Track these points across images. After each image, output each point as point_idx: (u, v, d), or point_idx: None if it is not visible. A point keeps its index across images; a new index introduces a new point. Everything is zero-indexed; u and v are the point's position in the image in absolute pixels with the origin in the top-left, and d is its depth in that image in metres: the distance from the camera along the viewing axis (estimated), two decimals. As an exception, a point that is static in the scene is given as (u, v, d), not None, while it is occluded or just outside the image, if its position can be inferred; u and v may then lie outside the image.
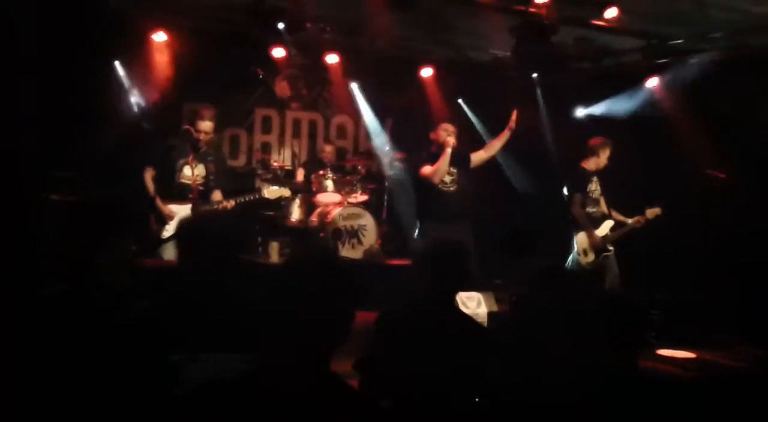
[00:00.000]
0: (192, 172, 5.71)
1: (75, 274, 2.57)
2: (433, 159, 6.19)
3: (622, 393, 2.14)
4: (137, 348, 2.27)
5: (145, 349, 2.26)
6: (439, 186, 6.21)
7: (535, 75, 8.61)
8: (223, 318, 2.44)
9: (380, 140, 8.90)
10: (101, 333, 2.34)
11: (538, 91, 8.79)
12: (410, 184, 6.93)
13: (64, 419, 2.29)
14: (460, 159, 6.33)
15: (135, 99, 7.50)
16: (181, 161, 5.82)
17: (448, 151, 6.10)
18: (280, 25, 6.79)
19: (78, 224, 2.71)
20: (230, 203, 5.87)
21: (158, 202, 5.72)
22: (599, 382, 2.03)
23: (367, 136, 9.22)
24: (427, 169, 6.19)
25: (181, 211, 5.68)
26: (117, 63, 7.41)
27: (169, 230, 5.69)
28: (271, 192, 6.19)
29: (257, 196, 6.19)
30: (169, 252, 5.67)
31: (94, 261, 2.60)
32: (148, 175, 5.85)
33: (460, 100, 9.11)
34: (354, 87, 8.85)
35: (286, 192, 6.40)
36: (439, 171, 6.13)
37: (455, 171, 6.30)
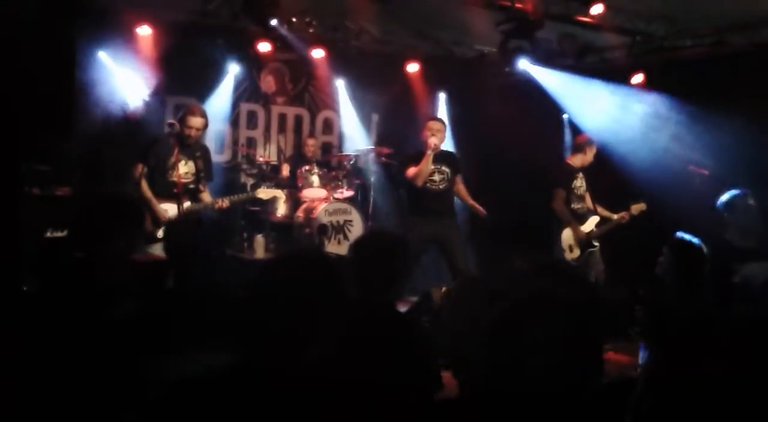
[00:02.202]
0: (179, 169, 5.61)
1: (66, 268, 2.56)
2: (417, 156, 6.18)
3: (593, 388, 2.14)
4: (117, 349, 2.25)
5: (124, 350, 2.24)
6: (428, 184, 6.20)
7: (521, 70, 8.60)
8: (209, 317, 2.43)
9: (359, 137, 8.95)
10: (84, 329, 2.33)
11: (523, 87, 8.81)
12: (398, 180, 6.93)
13: (41, 416, 2.28)
14: (450, 158, 6.33)
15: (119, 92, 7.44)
16: (171, 160, 5.66)
17: (429, 153, 6.08)
18: (267, 20, 6.74)
19: (85, 219, 2.70)
20: (225, 202, 5.81)
21: (152, 201, 5.56)
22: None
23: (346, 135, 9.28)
24: (411, 171, 6.17)
25: (173, 209, 5.55)
26: (101, 53, 7.32)
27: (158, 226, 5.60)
28: (265, 193, 6.17)
29: (251, 196, 6.17)
30: (159, 250, 5.60)
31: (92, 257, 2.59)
32: (137, 172, 5.71)
33: (441, 94, 9.09)
34: (340, 84, 8.83)
35: (279, 194, 6.38)
36: (422, 173, 6.11)
37: (447, 170, 6.28)
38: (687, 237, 3.83)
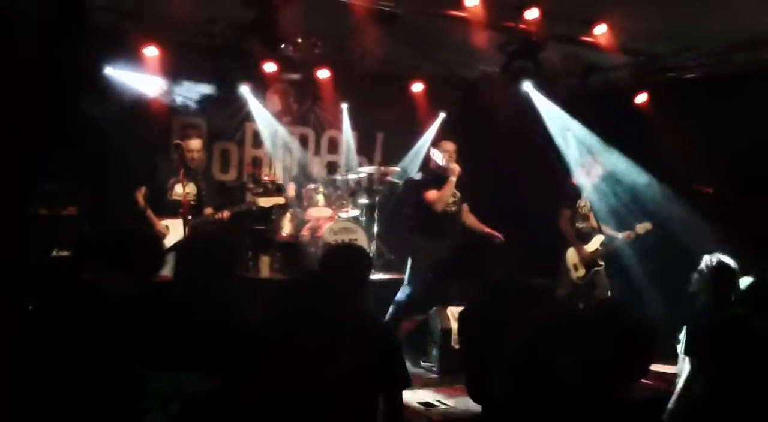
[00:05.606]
0: (183, 190, 5.67)
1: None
2: (435, 179, 6.16)
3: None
4: (118, 361, 2.28)
5: (120, 358, 2.27)
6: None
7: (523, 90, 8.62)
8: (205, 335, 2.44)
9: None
10: (87, 341, 2.35)
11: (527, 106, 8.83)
12: (408, 201, 6.90)
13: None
14: (459, 182, 6.35)
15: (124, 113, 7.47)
16: (172, 180, 5.77)
17: (453, 179, 6.05)
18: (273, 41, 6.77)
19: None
20: (226, 214, 5.87)
21: (152, 218, 5.66)
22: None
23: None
24: (431, 195, 6.13)
25: (175, 225, 5.63)
26: (108, 70, 7.36)
27: (165, 245, 5.63)
28: (266, 200, 6.23)
29: (252, 206, 6.21)
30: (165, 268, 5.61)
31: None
32: (140, 194, 5.81)
33: (442, 114, 9.05)
34: (343, 107, 8.85)
35: (280, 200, 6.44)
36: (443, 199, 6.08)
37: (458, 193, 6.29)
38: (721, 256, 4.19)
